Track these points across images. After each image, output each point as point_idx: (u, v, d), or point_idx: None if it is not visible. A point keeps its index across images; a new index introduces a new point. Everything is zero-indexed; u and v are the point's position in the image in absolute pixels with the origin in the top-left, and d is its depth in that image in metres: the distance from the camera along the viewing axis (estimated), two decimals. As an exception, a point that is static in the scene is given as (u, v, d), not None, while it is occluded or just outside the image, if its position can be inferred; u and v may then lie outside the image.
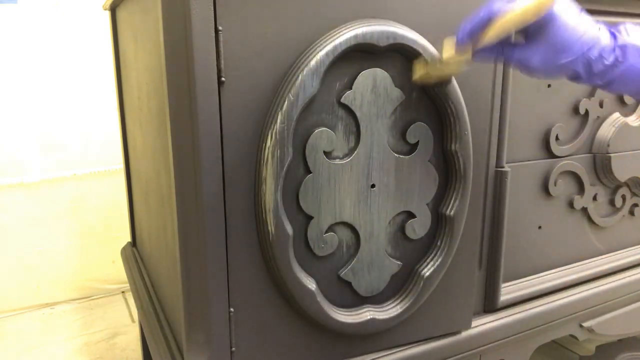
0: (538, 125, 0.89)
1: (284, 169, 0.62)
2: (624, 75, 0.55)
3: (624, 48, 0.54)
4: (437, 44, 0.68)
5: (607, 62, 0.55)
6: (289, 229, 0.64)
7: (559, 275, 0.98)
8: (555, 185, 0.93)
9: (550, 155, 0.92)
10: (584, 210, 1.00)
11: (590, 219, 1.02)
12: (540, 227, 0.95)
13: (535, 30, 0.56)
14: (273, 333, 0.69)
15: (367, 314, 0.73)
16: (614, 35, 0.55)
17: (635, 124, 1.00)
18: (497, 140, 0.83)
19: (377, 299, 0.74)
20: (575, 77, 0.58)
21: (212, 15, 0.56)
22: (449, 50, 0.62)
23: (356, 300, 0.73)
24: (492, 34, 0.57)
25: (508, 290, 0.91)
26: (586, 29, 0.55)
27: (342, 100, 0.65)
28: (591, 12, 0.86)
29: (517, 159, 0.88)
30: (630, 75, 0.55)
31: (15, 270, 1.75)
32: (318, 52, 0.61)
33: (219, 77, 0.58)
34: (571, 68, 0.56)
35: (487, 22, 0.56)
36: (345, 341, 0.74)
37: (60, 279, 1.83)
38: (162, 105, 0.66)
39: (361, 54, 0.64)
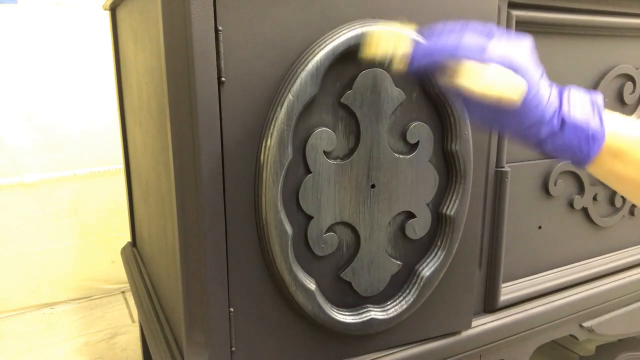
0: (538, 125, 0.89)
1: (284, 169, 0.62)
2: (558, 148, 0.53)
3: (563, 122, 0.51)
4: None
5: (542, 135, 0.52)
6: (289, 229, 0.64)
7: (559, 275, 0.98)
8: (555, 185, 0.93)
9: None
10: (584, 210, 1.00)
11: (590, 219, 1.02)
12: (540, 227, 0.95)
13: None
14: (273, 333, 0.69)
15: (367, 314, 0.73)
16: (560, 104, 0.52)
17: (635, 124, 1.00)
18: (497, 140, 0.83)
19: (377, 299, 0.74)
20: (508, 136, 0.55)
21: (212, 15, 0.56)
22: (398, 50, 0.55)
23: (356, 300, 0.73)
24: (449, 82, 0.52)
25: (508, 290, 0.91)
26: (539, 102, 0.51)
27: (342, 100, 0.65)
28: (591, 12, 0.87)
29: (517, 159, 0.88)
30: (564, 149, 0.52)
31: (15, 270, 1.75)
32: (318, 52, 0.61)
33: (219, 77, 0.58)
34: (507, 132, 0.54)
35: (450, 60, 0.51)
36: (345, 341, 0.74)
37: (60, 279, 1.83)
38: (162, 105, 0.66)
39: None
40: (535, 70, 0.52)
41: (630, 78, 0.98)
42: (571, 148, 0.52)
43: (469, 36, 0.51)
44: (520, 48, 0.51)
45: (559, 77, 0.89)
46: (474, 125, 0.71)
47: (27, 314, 1.77)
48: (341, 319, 0.71)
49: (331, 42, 0.61)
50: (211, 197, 0.60)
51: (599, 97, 0.54)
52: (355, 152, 0.67)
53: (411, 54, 0.54)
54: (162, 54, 0.60)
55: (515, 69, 0.50)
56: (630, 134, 0.53)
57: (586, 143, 0.51)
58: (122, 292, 1.93)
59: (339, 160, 0.67)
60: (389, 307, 0.74)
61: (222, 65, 0.57)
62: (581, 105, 0.52)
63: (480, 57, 0.50)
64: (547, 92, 0.52)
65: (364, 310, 0.73)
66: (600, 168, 0.53)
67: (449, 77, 0.52)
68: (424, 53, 0.53)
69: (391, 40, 0.56)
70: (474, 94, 0.51)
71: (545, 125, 0.51)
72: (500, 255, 0.87)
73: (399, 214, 0.72)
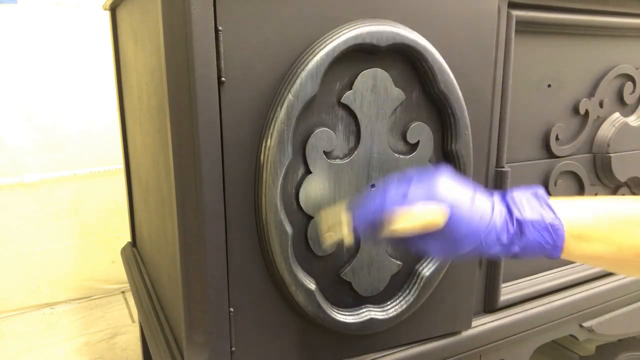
0: (538, 125, 0.89)
1: (284, 169, 0.62)
2: (525, 249, 0.55)
3: (520, 224, 0.54)
4: (438, 44, 0.68)
5: (504, 242, 0.54)
6: (289, 228, 0.64)
7: (559, 275, 0.98)
8: (555, 185, 0.93)
9: (551, 155, 0.92)
10: (584, 210, 1.00)
11: (590, 219, 1.01)
12: (540, 227, 0.95)
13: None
14: (273, 333, 0.69)
15: (367, 314, 0.73)
16: (509, 211, 0.55)
17: (635, 124, 1.00)
18: (497, 140, 0.83)
19: (377, 299, 0.74)
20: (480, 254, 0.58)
21: (212, 15, 0.56)
22: (343, 229, 0.60)
23: (356, 300, 0.73)
24: (391, 232, 0.55)
25: (508, 290, 0.91)
26: (482, 215, 0.54)
27: (342, 100, 0.65)
28: (591, 12, 0.87)
29: (517, 159, 0.88)
30: (531, 248, 0.55)
31: (15, 270, 1.75)
32: (318, 52, 0.61)
33: (219, 77, 0.58)
34: (471, 253, 0.56)
35: (382, 216, 0.55)
36: (345, 341, 0.74)
37: (60, 279, 1.83)
38: (162, 105, 0.66)
39: (361, 54, 0.64)
40: (461, 193, 0.54)
41: (630, 78, 0.98)
42: (538, 245, 0.54)
43: (391, 191, 0.55)
44: (437, 185, 0.54)
45: (559, 77, 0.89)
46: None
47: (27, 314, 1.77)
48: (341, 319, 0.71)
49: (331, 42, 0.61)
50: (211, 197, 0.60)
51: (539, 190, 0.57)
52: (355, 152, 0.67)
53: (352, 226, 0.58)
54: (162, 53, 0.60)
55: (438, 203, 0.53)
56: (583, 213, 0.55)
57: (549, 236, 0.54)
58: (122, 292, 1.93)
59: (339, 160, 0.67)
60: (388, 307, 0.74)
61: (222, 65, 0.57)
62: (528, 204, 0.55)
63: (404, 203, 0.54)
64: (487, 204, 0.55)
65: (364, 310, 0.73)
66: (571, 253, 0.55)
67: (386, 230, 0.55)
68: (361, 221, 0.57)
69: (334, 224, 0.62)
70: (407, 231, 0.54)
71: (503, 234, 0.54)
72: (500, 255, 0.87)
73: (399, 214, 0.72)
